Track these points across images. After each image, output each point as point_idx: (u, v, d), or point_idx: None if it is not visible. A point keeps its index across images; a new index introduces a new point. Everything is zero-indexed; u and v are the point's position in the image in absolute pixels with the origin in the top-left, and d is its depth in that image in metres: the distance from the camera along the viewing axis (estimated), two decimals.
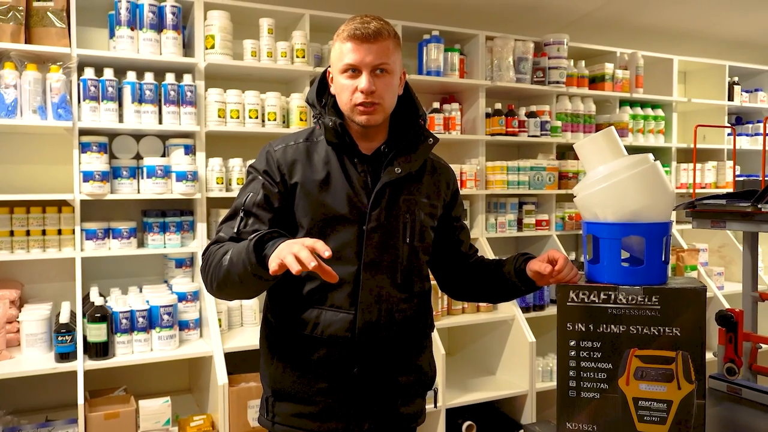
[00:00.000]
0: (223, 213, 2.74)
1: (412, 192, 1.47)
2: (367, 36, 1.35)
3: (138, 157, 2.75)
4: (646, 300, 1.21)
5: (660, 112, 4.01)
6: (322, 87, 1.49)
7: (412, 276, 1.48)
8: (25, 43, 2.46)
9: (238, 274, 1.27)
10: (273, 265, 1.15)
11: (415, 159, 1.45)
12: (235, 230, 1.39)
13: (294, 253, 1.12)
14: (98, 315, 2.43)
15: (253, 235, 1.25)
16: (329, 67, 1.46)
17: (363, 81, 1.36)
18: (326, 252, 1.14)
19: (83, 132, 2.58)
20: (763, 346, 1.97)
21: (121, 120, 2.62)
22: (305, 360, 1.42)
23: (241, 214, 1.40)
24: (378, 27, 1.36)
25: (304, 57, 2.90)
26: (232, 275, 1.28)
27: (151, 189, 2.64)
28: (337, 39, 1.40)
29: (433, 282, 1.67)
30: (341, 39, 1.38)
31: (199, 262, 2.76)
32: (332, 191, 1.40)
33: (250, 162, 1.50)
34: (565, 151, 3.75)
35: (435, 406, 2.82)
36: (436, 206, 1.52)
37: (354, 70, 1.37)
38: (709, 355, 2.21)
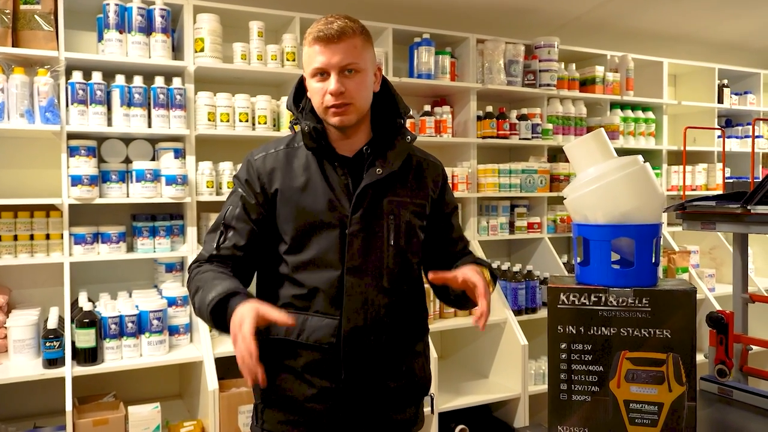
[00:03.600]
0: (213, 217, 2.75)
1: (397, 192, 1.44)
2: (330, 37, 1.33)
3: (127, 161, 2.73)
4: (637, 302, 1.20)
5: (650, 115, 4.02)
6: (299, 92, 1.48)
7: (400, 279, 1.45)
8: (12, 46, 2.44)
9: (210, 325, 1.38)
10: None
11: (393, 158, 1.42)
12: (215, 246, 1.42)
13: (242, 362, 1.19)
14: (87, 320, 2.41)
15: (210, 303, 1.29)
16: None
17: (332, 83, 1.34)
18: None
19: (71, 136, 2.55)
20: (754, 347, 1.97)
21: (109, 124, 2.60)
22: (292, 366, 1.41)
23: (221, 228, 1.43)
24: (341, 26, 1.34)
25: (294, 60, 2.90)
26: (207, 323, 1.38)
27: (140, 193, 2.62)
28: (305, 43, 1.39)
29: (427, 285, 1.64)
30: (308, 43, 1.37)
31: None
32: (313, 196, 1.39)
33: (240, 166, 1.50)
34: (557, 154, 3.75)
35: (432, 411, 2.81)
36: (423, 205, 1.49)
37: (323, 74, 1.35)
38: (700, 357, 2.22)
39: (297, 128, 1.46)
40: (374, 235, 1.40)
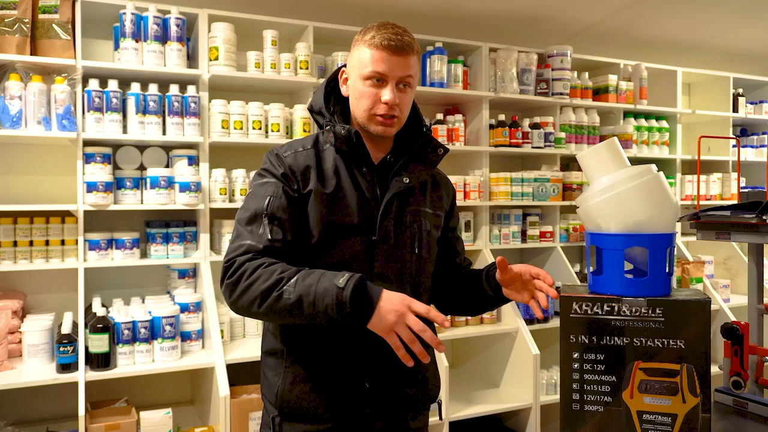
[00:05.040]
0: (227, 224, 2.77)
1: (417, 203, 1.46)
2: (400, 48, 1.34)
3: (141, 167, 2.76)
4: (650, 312, 1.19)
5: (664, 124, 4.00)
6: (327, 95, 1.47)
7: (419, 287, 1.46)
8: (31, 54, 2.48)
9: (307, 316, 1.24)
10: (390, 339, 1.19)
11: (424, 169, 1.45)
12: (269, 237, 1.31)
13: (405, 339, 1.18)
14: (100, 326, 2.42)
15: (344, 285, 1.20)
16: (343, 66, 1.45)
17: (388, 93, 1.35)
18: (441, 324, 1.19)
19: (87, 143, 2.59)
20: None
21: (125, 131, 2.63)
22: (314, 375, 1.39)
23: (266, 220, 1.33)
24: (410, 41, 1.37)
25: (307, 68, 2.91)
26: (300, 314, 1.24)
27: (154, 200, 2.65)
28: (363, 43, 1.37)
29: None
30: (370, 45, 1.35)
31: (201, 273, 2.75)
32: (343, 200, 1.38)
33: (254, 171, 1.47)
34: (569, 163, 3.74)
35: (440, 419, 2.80)
36: (440, 217, 1.52)
37: (379, 80, 1.35)
38: (714, 369, 2.19)
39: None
40: (399, 243, 1.41)
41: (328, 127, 1.42)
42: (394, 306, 1.18)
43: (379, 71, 1.34)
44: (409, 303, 1.18)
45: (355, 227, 1.38)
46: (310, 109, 1.50)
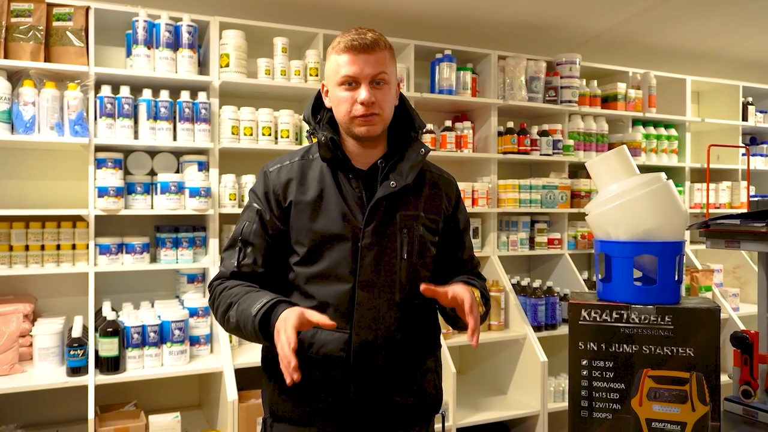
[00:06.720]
0: None
1: (410, 207, 1.43)
2: (364, 46, 1.35)
3: (152, 173, 2.78)
4: (659, 320, 1.19)
5: (673, 132, 3.99)
6: (317, 104, 1.49)
7: (412, 294, 1.42)
8: (45, 61, 2.51)
9: (249, 338, 1.36)
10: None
11: (406, 171, 1.42)
12: (235, 264, 1.43)
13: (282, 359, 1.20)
14: (110, 329, 2.44)
15: (256, 312, 1.29)
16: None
17: (363, 93, 1.35)
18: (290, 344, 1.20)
19: (99, 148, 2.61)
20: None
21: (136, 136, 2.66)
22: (301, 381, 1.37)
23: (240, 245, 1.43)
24: (375, 38, 1.37)
25: (317, 75, 2.93)
26: (244, 336, 1.36)
27: (164, 205, 2.67)
28: (332, 51, 1.39)
29: None
30: (337, 51, 1.37)
31: (210, 277, 2.76)
32: (326, 208, 1.39)
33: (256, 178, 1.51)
34: (578, 170, 3.74)
35: (443, 429, 2.78)
36: (436, 221, 1.48)
37: (352, 83, 1.36)
38: (724, 377, 2.18)
39: (314, 139, 1.47)
40: (387, 249, 1.40)
41: (312, 135, 1.47)
42: (277, 325, 1.24)
43: (349, 74, 1.35)
44: (287, 318, 1.22)
45: (338, 234, 1.38)
46: (303, 118, 1.53)
